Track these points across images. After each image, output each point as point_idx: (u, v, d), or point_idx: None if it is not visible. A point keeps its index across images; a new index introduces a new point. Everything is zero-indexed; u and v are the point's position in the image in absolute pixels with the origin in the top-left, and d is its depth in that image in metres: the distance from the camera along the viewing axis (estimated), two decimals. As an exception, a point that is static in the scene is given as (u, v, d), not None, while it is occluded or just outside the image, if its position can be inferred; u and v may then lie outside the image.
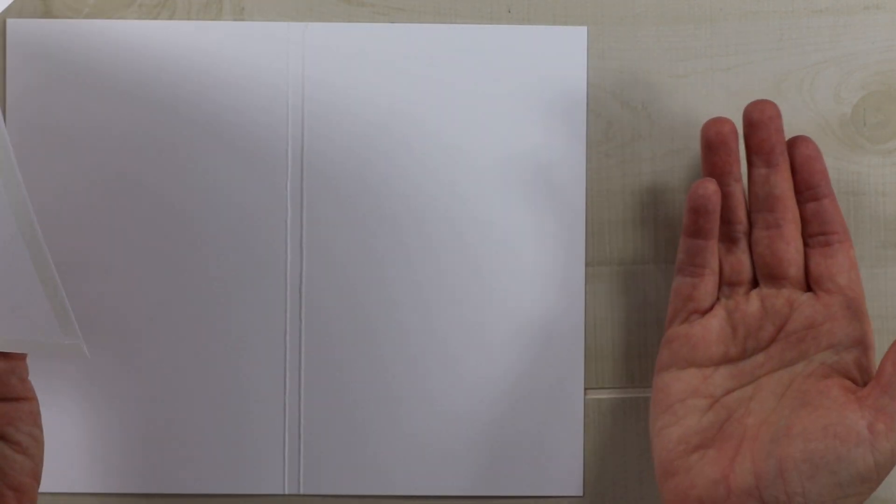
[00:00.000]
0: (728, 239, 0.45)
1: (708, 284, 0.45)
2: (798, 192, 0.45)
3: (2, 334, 0.41)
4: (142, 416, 0.49)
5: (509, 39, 0.49)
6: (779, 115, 0.44)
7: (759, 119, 0.44)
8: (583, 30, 0.49)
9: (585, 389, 0.49)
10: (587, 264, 0.49)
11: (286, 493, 0.49)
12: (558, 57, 0.49)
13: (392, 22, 0.49)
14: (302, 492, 0.49)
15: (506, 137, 0.49)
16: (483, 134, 0.49)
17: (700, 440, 0.44)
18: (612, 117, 0.49)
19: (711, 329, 0.45)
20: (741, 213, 0.45)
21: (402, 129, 0.48)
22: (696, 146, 0.48)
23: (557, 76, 0.49)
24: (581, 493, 0.49)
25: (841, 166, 0.49)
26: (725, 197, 0.45)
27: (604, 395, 0.49)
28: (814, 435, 0.40)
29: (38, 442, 0.43)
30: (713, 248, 0.45)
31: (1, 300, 0.40)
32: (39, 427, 0.43)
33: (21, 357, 0.42)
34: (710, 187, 0.44)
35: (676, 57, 0.49)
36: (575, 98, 0.49)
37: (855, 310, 0.43)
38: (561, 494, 0.49)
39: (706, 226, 0.44)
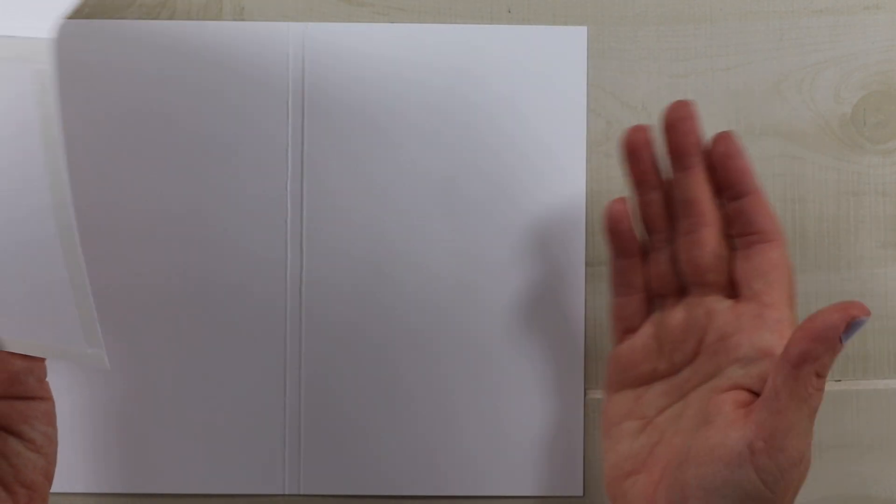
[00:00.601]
0: (652, 249, 0.44)
1: (635, 302, 0.44)
2: (719, 191, 0.42)
3: (26, 338, 0.41)
4: (142, 415, 0.49)
5: (509, 39, 0.49)
6: (692, 116, 0.42)
7: (671, 121, 0.42)
8: (583, 30, 0.49)
9: (585, 389, 0.49)
10: (587, 264, 0.49)
11: (286, 493, 0.49)
12: (558, 57, 0.49)
13: (392, 22, 0.49)
14: (302, 492, 0.49)
15: (506, 137, 0.49)
16: (483, 134, 0.49)
17: (632, 465, 0.42)
18: (612, 117, 0.49)
19: (636, 348, 0.44)
20: (660, 222, 0.44)
21: (401, 128, 0.48)
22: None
23: (557, 76, 0.49)
24: (581, 493, 0.49)
25: (841, 166, 0.49)
26: (645, 206, 0.44)
27: (604, 395, 0.49)
28: (703, 459, 0.38)
29: (52, 441, 0.43)
30: (635, 265, 0.44)
31: (30, 303, 0.40)
32: (54, 427, 0.43)
33: (40, 358, 0.42)
34: (618, 207, 0.44)
35: (676, 57, 0.49)
36: (575, 98, 0.49)
37: (766, 317, 0.40)
38: (561, 494, 0.49)
39: (623, 245, 0.44)
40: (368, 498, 0.49)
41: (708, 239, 0.42)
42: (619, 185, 0.49)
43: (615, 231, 0.44)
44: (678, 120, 0.42)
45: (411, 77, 0.48)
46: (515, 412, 0.49)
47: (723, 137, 0.42)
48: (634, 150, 0.43)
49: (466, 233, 0.49)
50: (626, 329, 0.44)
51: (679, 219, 0.43)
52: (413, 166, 0.49)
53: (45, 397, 0.43)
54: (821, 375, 0.37)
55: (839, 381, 0.49)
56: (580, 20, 0.49)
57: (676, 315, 0.43)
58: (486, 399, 0.49)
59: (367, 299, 0.49)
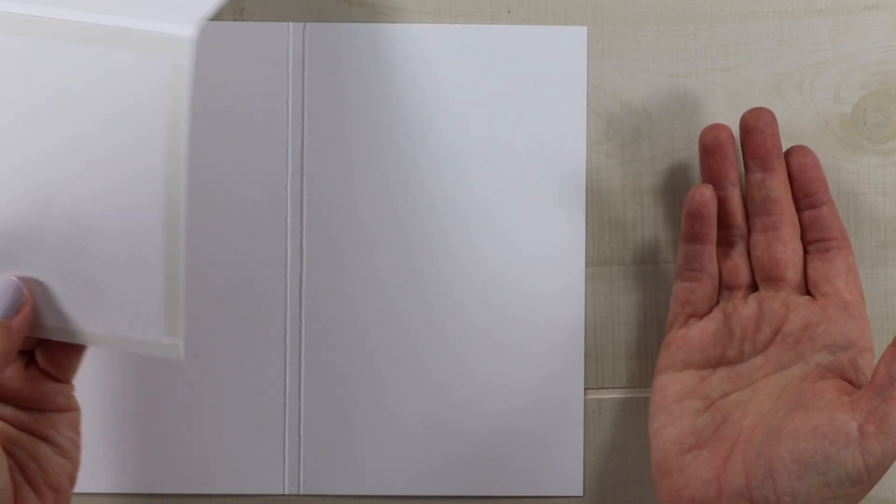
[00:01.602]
0: (726, 243, 0.46)
1: (705, 288, 0.45)
2: (796, 199, 0.45)
3: (102, 326, 0.41)
4: (142, 415, 0.49)
5: (509, 39, 0.48)
6: (774, 122, 0.45)
7: (755, 125, 0.45)
8: (583, 30, 0.49)
9: (585, 389, 0.49)
10: (587, 264, 0.49)
11: (286, 493, 0.49)
12: (558, 57, 0.49)
13: (392, 22, 0.49)
14: (302, 492, 0.49)
15: (505, 137, 0.49)
16: (483, 134, 0.48)
17: (694, 441, 0.44)
18: (612, 117, 0.49)
19: (708, 332, 0.45)
20: (738, 218, 0.46)
21: (401, 129, 0.48)
22: (695, 146, 0.48)
23: (557, 76, 0.49)
24: (581, 493, 0.49)
25: (841, 166, 0.49)
26: (722, 201, 0.45)
27: (604, 395, 0.49)
28: (803, 435, 0.40)
29: (77, 447, 0.44)
30: (711, 252, 0.45)
31: (117, 286, 0.40)
32: (79, 434, 0.44)
33: (69, 379, 0.43)
34: (707, 192, 0.45)
35: (676, 57, 0.49)
36: (575, 98, 0.49)
37: (851, 311, 0.44)
38: (561, 494, 0.49)
39: (703, 231, 0.45)
40: (368, 498, 0.49)
41: (791, 237, 0.45)
42: (619, 184, 0.49)
43: (698, 216, 0.45)
44: (764, 124, 0.45)
45: (411, 77, 0.48)
46: (516, 412, 0.49)
47: (803, 149, 0.45)
48: (717, 147, 0.45)
49: (466, 232, 0.49)
50: (691, 313, 0.46)
51: (757, 216, 0.45)
52: (412, 166, 0.49)
53: (73, 408, 0.44)
54: None
55: (839, 381, 0.50)
56: (580, 20, 0.49)
57: (749, 307, 0.45)
58: (486, 399, 0.49)
59: (366, 299, 0.49)
